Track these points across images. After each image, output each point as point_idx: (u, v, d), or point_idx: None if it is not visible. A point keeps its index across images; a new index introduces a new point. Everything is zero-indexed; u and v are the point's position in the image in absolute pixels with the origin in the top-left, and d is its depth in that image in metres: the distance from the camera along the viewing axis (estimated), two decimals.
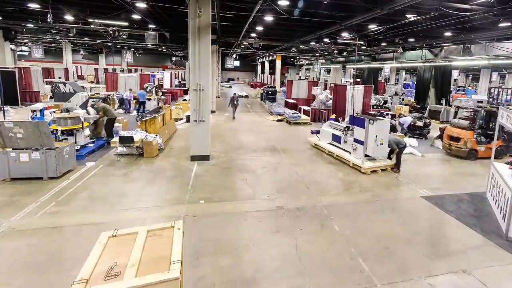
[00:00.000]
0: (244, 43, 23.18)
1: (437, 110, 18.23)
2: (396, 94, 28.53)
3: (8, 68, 17.80)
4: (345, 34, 15.78)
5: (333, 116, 15.39)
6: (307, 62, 39.92)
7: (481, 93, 25.47)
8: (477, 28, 12.72)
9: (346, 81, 28.39)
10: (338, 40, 17.58)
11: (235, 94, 17.40)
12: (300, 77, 49.27)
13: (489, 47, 13.94)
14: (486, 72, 25.31)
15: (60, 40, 26.42)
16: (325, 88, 23.16)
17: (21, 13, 15.09)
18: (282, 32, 17.64)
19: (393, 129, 11.14)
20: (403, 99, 25.13)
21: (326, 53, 26.74)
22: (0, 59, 18.35)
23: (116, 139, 9.46)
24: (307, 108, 17.97)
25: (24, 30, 19.83)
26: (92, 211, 5.56)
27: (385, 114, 14.75)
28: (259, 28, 16.08)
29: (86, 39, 23.37)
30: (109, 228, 4.89)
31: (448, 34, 14.07)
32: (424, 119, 13.44)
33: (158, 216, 5.45)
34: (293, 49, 27.70)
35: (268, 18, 12.86)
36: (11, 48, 21.86)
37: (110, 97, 16.11)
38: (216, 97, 21.91)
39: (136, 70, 40.25)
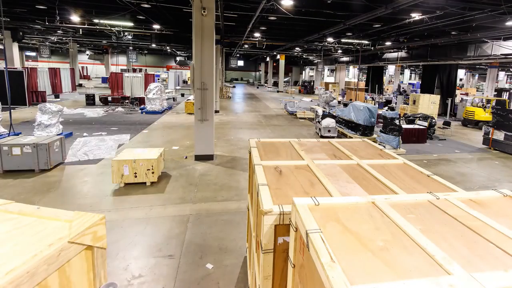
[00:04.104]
0: (248, 43, 23.22)
1: None
2: (400, 93, 28.32)
3: (16, 68, 18.08)
4: (349, 34, 15.73)
5: None
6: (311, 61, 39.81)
7: (488, 92, 25.17)
8: (483, 27, 12.58)
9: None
10: (342, 40, 17.54)
11: None
12: (303, 77, 49.18)
13: (496, 46, 13.79)
14: (493, 71, 24.99)
15: (67, 41, 26.75)
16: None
17: (28, 14, 15.33)
18: (285, 31, 17.63)
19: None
20: (408, 99, 24.93)
21: (330, 52, 26.66)
22: (9, 59, 18.64)
23: None
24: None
25: (32, 31, 20.16)
26: (99, 209, 5.63)
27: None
28: (263, 28, 16.10)
29: (92, 39, 23.65)
30: (114, 227, 4.99)
31: (453, 33, 13.94)
32: (429, 119, 13.32)
33: (163, 215, 5.51)
34: (296, 48, 27.66)
35: (272, 17, 12.87)
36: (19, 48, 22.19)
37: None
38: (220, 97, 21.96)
39: (140, 70, 40.56)
